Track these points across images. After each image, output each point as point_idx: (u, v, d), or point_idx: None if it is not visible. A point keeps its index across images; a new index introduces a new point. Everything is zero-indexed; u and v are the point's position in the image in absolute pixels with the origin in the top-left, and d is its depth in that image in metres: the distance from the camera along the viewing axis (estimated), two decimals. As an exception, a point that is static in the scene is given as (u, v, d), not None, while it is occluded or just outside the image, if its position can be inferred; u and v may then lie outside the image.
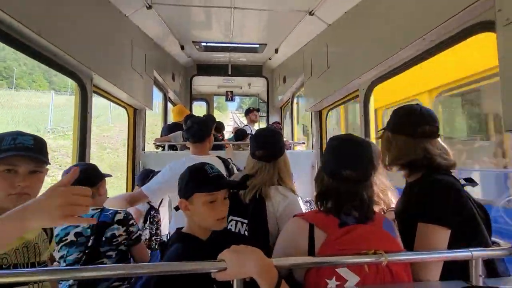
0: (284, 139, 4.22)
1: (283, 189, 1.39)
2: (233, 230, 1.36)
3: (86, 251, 1.53)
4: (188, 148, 2.19)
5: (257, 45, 4.05)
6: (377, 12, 2.04)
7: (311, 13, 2.77)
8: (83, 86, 2.13)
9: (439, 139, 1.21)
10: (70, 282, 1.49)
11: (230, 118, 20.10)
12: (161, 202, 2.63)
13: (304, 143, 4.28)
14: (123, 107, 3.14)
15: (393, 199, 1.53)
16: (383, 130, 1.32)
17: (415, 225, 1.07)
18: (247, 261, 0.79)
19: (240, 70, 4.94)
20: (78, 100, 2.15)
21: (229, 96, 5.88)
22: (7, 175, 0.94)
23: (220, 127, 4.39)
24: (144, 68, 3.14)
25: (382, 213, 1.42)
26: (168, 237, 2.54)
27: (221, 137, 4.21)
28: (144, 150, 3.34)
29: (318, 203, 1.04)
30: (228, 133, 6.33)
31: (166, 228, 2.67)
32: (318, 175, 1.09)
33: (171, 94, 4.62)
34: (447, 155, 1.18)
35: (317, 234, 0.96)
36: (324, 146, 3.39)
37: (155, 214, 2.52)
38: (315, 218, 1.00)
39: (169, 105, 4.80)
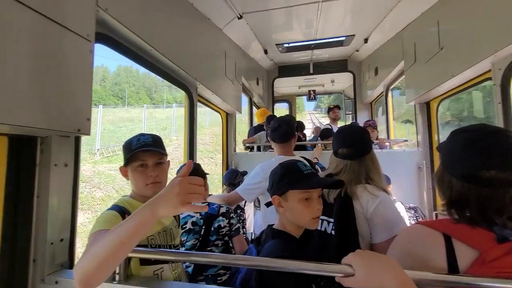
0: (381, 137, 3.79)
1: (372, 188, 1.25)
2: (319, 229, 1.29)
3: (200, 239, 1.73)
4: (271, 148, 2.16)
5: (343, 38, 3.81)
6: None
7: None
8: (190, 96, 2.39)
9: None
10: (188, 263, 1.70)
11: (308, 118, 19.77)
12: (245, 201, 2.73)
13: (406, 140, 3.75)
14: (218, 111, 3.41)
15: None
16: None
17: None
18: (382, 271, 0.69)
19: (322, 67, 4.76)
20: (187, 108, 2.43)
21: (312, 96, 5.71)
22: (141, 169, 1.16)
23: (301, 126, 4.30)
24: (234, 76, 3.34)
25: None
26: (253, 235, 2.65)
27: (303, 138, 4.12)
28: (235, 151, 3.53)
29: (452, 211, 0.83)
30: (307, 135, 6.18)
31: (251, 226, 2.82)
32: (443, 179, 0.87)
33: (255, 98, 4.80)
34: None
35: (458, 249, 0.76)
36: (434, 143, 2.89)
37: (240, 213, 2.64)
38: (454, 229, 0.79)
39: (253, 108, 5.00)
